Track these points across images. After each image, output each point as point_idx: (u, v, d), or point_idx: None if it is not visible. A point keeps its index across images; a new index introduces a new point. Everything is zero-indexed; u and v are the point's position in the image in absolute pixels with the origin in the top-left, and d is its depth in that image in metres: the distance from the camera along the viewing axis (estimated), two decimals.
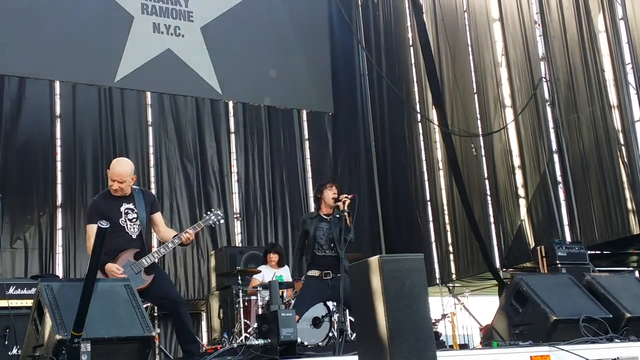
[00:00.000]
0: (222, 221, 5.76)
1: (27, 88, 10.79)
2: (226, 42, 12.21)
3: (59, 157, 10.88)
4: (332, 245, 6.37)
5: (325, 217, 6.53)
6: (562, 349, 4.85)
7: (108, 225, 3.94)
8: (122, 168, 5.36)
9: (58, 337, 4.19)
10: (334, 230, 6.33)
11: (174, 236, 5.40)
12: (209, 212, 5.71)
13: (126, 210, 5.35)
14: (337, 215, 6.41)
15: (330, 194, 6.47)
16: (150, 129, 11.71)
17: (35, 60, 10.71)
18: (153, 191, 11.35)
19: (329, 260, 6.36)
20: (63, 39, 10.84)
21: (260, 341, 4.61)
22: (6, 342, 6.18)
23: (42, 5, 10.87)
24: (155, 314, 9.71)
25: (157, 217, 5.52)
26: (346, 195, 6.34)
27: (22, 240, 10.28)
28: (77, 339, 4.12)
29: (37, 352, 4.43)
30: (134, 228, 5.34)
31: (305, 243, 6.51)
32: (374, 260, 4.10)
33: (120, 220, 5.29)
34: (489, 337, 5.85)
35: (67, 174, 10.85)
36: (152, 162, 11.58)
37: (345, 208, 6.22)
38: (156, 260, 5.32)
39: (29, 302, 5.76)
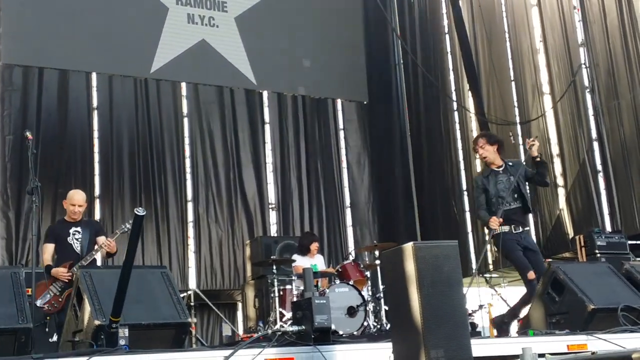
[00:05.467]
0: None
1: (65, 80, 10.90)
2: (260, 32, 12.21)
3: (96, 149, 10.97)
4: (515, 196, 6.56)
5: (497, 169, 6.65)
6: (600, 338, 4.78)
7: (144, 213, 4.10)
8: (82, 196, 6.78)
9: (97, 322, 4.28)
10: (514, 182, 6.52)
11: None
12: (127, 223, 6.50)
13: (74, 232, 6.65)
14: (510, 164, 6.70)
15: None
16: (185, 120, 11.75)
17: (72, 52, 10.81)
18: (189, 182, 11.50)
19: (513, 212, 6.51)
20: (99, 31, 10.92)
21: (295, 328, 4.62)
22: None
23: None
24: (192, 304, 9.86)
25: (100, 239, 6.70)
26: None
27: None
28: (115, 324, 4.21)
29: (76, 337, 4.55)
30: (77, 244, 6.61)
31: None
32: (407, 247, 4.07)
33: (68, 238, 6.62)
34: (526, 327, 5.78)
35: (105, 165, 10.94)
36: (187, 153, 11.61)
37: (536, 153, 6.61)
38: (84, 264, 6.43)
39: None
